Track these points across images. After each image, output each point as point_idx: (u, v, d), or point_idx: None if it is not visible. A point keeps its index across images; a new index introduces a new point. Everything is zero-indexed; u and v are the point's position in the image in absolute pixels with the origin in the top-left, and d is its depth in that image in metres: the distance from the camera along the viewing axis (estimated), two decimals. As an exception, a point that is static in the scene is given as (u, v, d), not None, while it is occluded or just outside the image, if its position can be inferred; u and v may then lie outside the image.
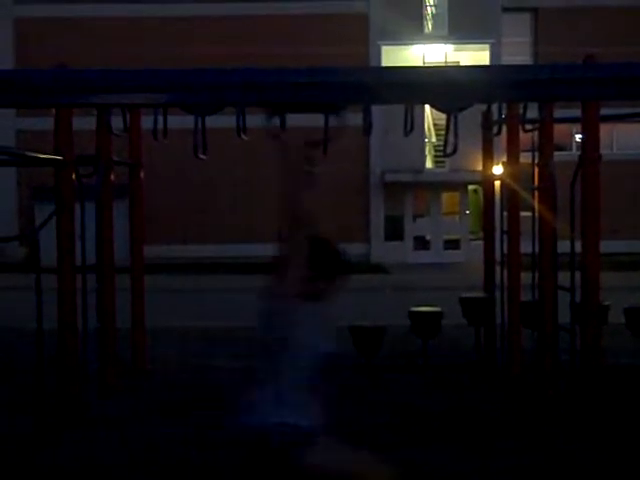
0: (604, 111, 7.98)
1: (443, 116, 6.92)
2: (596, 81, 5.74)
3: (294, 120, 5.97)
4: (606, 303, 9.21)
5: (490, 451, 6.95)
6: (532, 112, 8.71)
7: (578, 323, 7.99)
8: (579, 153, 7.90)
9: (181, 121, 8.72)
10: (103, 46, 24.91)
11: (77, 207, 7.96)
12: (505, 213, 9.75)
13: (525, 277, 9.32)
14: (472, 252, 24.54)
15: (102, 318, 8.66)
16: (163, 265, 22.67)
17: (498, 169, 10.96)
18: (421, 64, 26.37)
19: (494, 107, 9.78)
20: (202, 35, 25.71)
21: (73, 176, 7.86)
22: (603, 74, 5.18)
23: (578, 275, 7.84)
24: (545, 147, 8.54)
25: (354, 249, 26.73)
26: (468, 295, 10.27)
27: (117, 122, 9.04)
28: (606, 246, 8.69)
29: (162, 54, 22.89)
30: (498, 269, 10.09)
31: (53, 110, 7.70)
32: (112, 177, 8.95)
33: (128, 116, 9.36)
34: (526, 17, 28.20)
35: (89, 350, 8.20)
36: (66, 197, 7.77)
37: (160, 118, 8.19)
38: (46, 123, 8.96)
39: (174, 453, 6.96)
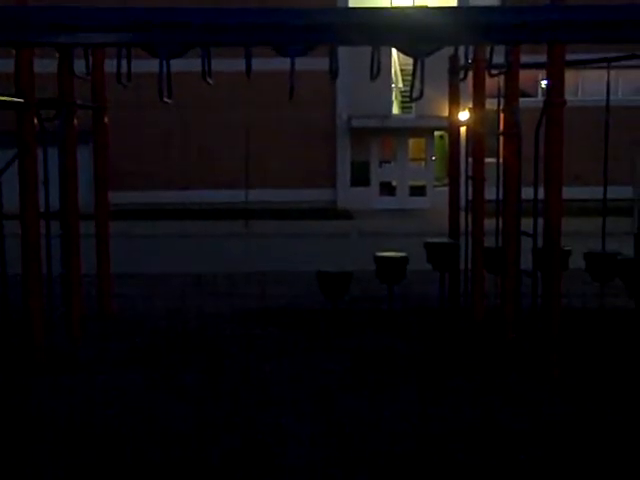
0: (570, 57, 7.98)
1: (410, 61, 6.89)
2: (563, 24, 5.75)
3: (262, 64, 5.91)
4: (567, 248, 9.34)
5: (447, 392, 7.09)
6: (499, 57, 8.70)
7: (540, 268, 8.11)
8: (544, 99, 7.92)
9: (148, 65, 8.57)
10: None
11: (40, 152, 7.83)
12: (470, 159, 9.79)
13: (489, 223, 9.42)
14: (437, 198, 24.62)
15: (67, 264, 8.61)
16: (127, 211, 22.48)
17: (464, 115, 10.96)
18: (389, 6, 26.07)
19: (461, 51, 9.74)
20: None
21: (35, 119, 7.71)
22: (569, 17, 5.19)
23: (541, 221, 7.93)
24: (511, 93, 8.55)
25: (320, 195, 26.73)
26: (433, 240, 10.35)
27: (80, 65, 8.87)
28: (569, 192, 8.77)
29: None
30: (463, 215, 10.17)
31: (13, 51, 7.52)
32: (75, 121, 8.80)
33: (91, 59, 9.18)
34: (494, -39, 27.92)
35: (54, 296, 8.17)
36: (28, 141, 7.63)
37: (124, 62, 8.06)
38: (6, 65, 8.75)
39: (140, 398, 7.00)
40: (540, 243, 7.93)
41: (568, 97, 7.67)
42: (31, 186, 7.71)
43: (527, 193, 8.28)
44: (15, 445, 5.96)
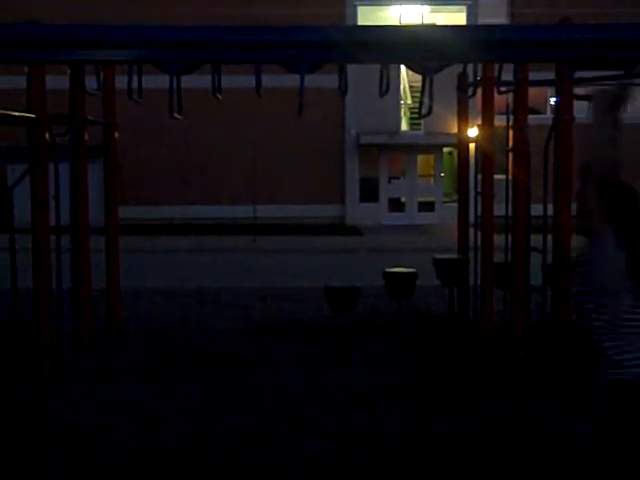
0: (578, 74, 8.01)
1: (419, 78, 6.92)
2: (571, 43, 5.76)
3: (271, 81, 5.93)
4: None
5: (459, 408, 7.08)
6: (507, 75, 8.73)
7: (549, 284, 8.11)
8: (553, 116, 7.94)
9: (156, 81, 8.63)
10: (73, 2, 24.48)
11: (51, 167, 7.89)
12: (479, 176, 9.81)
13: (498, 239, 9.42)
14: (446, 214, 24.65)
15: (76, 278, 8.64)
16: (137, 226, 22.57)
17: (473, 131, 11.00)
18: (398, 24, 26.19)
19: (469, 69, 9.78)
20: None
21: (47, 135, 7.78)
22: (578, 36, 5.20)
23: (550, 237, 7.93)
24: (520, 110, 8.57)
25: (329, 211, 26.78)
26: (442, 256, 10.36)
27: (91, 82, 8.95)
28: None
29: (135, 13, 22.55)
30: (472, 231, 10.18)
31: (25, 68, 7.59)
32: (86, 137, 8.87)
33: (102, 75, 9.26)
34: (503, -22, 28.05)
35: (63, 310, 8.20)
36: (40, 156, 7.69)
37: (135, 78, 8.11)
38: (18, 82, 8.84)
39: (147, 412, 7.01)
40: (550, 259, 7.93)
41: (577, 114, 7.70)
42: (42, 200, 7.76)
43: (536, 209, 8.29)
44: (24, 455, 5.97)
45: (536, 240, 8.40)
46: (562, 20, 7.21)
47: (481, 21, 26.43)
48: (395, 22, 27.03)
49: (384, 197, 27.95)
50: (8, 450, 6.12)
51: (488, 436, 6.45)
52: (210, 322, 10.64)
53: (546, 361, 7.95)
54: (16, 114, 7.85)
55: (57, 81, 9.07)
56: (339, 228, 25.45)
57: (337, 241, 22.20)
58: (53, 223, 7.99)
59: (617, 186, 3.98)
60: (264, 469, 5.81)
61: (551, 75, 7.92)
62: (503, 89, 9.09)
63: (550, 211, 7.95)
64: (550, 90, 20.27)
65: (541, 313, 8.28)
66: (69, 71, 8.57)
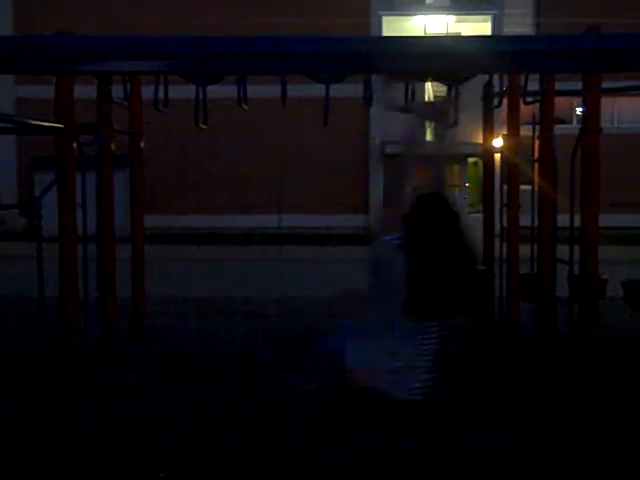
0: (606, 84, 7.95)
1: (444, 88, 6.92)
2: (598, 53, 5.72)
3: (296, 91, 5.95)
4: (604, 276, 9.25)
5: (486, 424, 7.02)
6: (533, 84, 8.69)
7: (576, 296, 8.03)
8: (580, 126, 7.89)
9: (182, 91, 8.70)
10: (103, 13, 24.74)
11: (78, 176, 7.95)
12: (505, 186, 9.76)
13: (524, 250, 9.35)
14: (471, 225, 24.52)
15: (103, 287, 8.70)
16: (163, 235, 22.69)
17: (498, 142, 10.94)
18: (422, 35, 26.20)
19: (495, 79, 9.75)
20: (202, 4, 25.53)
21: (74, 144, 7.85)
22: (605, 45, 5.16)
23: (577, 249, 7.87)
24: (546, 120, 8.53)
25: (353, 220, 26.76)
26: (467, 267, 10.29)
27: (118, 91, 9.02)
28: (605, 220, 8.70)
29: (163, 22, 22.75)
30: (497, 242, 10.12)
31: (53, 78, 7.67)
32: (113, 146, 8.94)
33: (129, 85, 9.34)
34: (529, -12, 27.96)
35: (90, 318, 8.25)
36: (67, 165, 7.76)
37: (161, 88, 8.18)
38: (46, 91, 8.93)
39: (173, 419, 7.03)
40: (577, 271, 7.86)
41: (604, 124, 7.64)
42: (69, 209, 7.82)
43: (562, 220, 8.23)
44: (51, 463, 6.01)
45: (562, 251, 8.33)
46: (589, 29, 7.16)
47: (507, 31, 26.34)
48: (420, 32, 27.03)
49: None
50: (33, 461, 6.16)
51: (513, 452, 6.39)
52: (235, 332, 10.65)
53: (574, 373, 7.86)
54: (44, 124, 7.94)
55: (84, 91, 9.15)
56: (363, 238, 25.41)
57: (361, 251, 22.15)
58: (80, 232, 8.05)
59: (427, 197, 4.08)
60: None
61: (578, 85, 7.87)
62: (529, 99, 9.05)
63: (577, 222, 7.88)
64: (576, 99, 20.16)
65: (568, 326, 8.20)
66: (96, 81, 8.64)
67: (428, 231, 4.06)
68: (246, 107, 7.73)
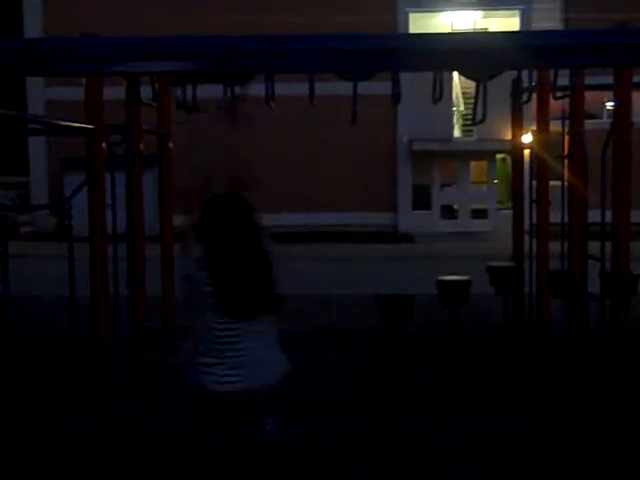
0: (636, 78, 7.86)
1: (471, 84, 6.87)
2: (627, 47, 5.67)
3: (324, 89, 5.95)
4: (636, 273, 9.15)
5: (518, 420, 6.98)
6: (563, 79, 8.61)
7: (608, 292, 7.96)
8: (610, 121, 7.81)
9: (211, 90, 8.72)
10: (126, 15, 24.92)
11: (107, 176, 8.02)
12: (534, 182, 9.69)
13: (553, 246, 9.28)
14: (499, 221, 24.39)
15: (133, 286, 8.76)
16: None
17: (527, 137, 10.87)
18: (450, 31, 26.08)
19: (524, 74, 9.67)
20: (232, 5, 25.64)
21: (104, 145, 7.92)
22: (634, 40, 5.11)
23: (608, 245, 7.79)
24: (576, 115, 8.45)
25: (381, 218, 26.71)
26: (496, 264, 10.25)
27: (147, 92, 9.08)
28: (637, 215, 8.61)
29: (187, 22, 22.86)
30: (526, 238, 10.05)
31: (83, 79, 7.74)
32: (141, 146, 9.00)
33: (157, 85, 9.40)
34: (557, -18, 27.73)
35: (121, 317, 8.32)
36: (97, 166, 7.83)
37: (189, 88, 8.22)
38: (75, 93, 9.02)
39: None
40: (608, 267, 7.79)
41: (635, 118, 7.56)
42: (99, 209, 7.90)
43: (593, 216, 8.16)
44: (75, 465, 6.07)
45: (593, 247, 8.26)
46: (617, 24, 7.09)
47: (535, 26, 26.15)
48: (447, 28, 26.91)
49: (437, 204, 27.78)
50: (62, 461, 6.22)
51: (547, 452, 6.35)
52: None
53: (606, 370, 7.80)
54: (74, 125, 8.01)
55: (113, 92, 9.22)
56: (392, 235, 25.38)
57: (390, 249, 22.13)
58: (110, 231, 8.12)
59: (220, 200, 4.10)
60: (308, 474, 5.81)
61: (608, 79, 7.79)
62: (559, 94, 8.97)
63: (608, 217, 7.81)
64: (607, 94, 19.96)
65: (600, 322, 8.12)
66: (125, 82, 8.71)
67: (217, 234, 4.20)
68: (273, 105, 7.75)
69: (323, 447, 6.32)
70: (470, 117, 7.63)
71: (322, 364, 8.83)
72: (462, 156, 27.43)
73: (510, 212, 10.78)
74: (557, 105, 9.31)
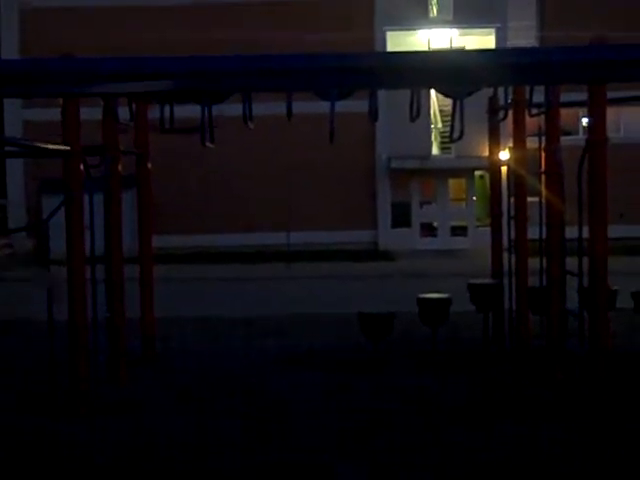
0: (610, 94, 7.94)
1: (449, 102, 6.92)
2: (601, 64, 5.72)
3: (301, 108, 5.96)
4: (614, 288, 9.20)
5: (494, 435, 6.97)
6: (538, 96, 8.69)
7: (586, 308, 7.99)
8: (586, 137, 7.87)
9: (187, 110, 8.72)
10: (108, 35, 24.90)
11: (85, 198, 7.97)
12: (512, 199, 9.74)
13: (532, 263, 9.32)
14: (479, 238, 24.47)
15: (112, 308, 8.70)
16: (171, 255, 22.71)
17: (504, 154, 10.94)
18: (426, 49, 26.25)
19: (500, 92, 9.75)
20: (208, 22, 25.66)
21: (81, 166, 7.87)
22: (609, 56, 5.17)
23: (586, 260, 7.83)
24: (551, 131, 8.52)
25: (361, 236, 26.72)
26: (476, 281, 10.27)
27: (124, 113, 9.06)
28: (614, 231, 8.67)
29: (167, 42, 22.87)
30: (505, 255, 10.09)
31: (60, 100, 7.71)
32: (120, 167, 8.97)
33: (134, 106, 9.38)
34: (531, 1, 28.03)
35: (99, 340, 8.24)
36: (74, 187, 7.78)
37: (167, 108, 8.21)
38: (53, 114, 8.97)
39: (185, 442, 6.99)
40: (586, 283, 7.82)
41: (610, 134, 7.62)
42: (77, 231, 7.84)
43: (571, 232, 8.20)
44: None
45: (571, 263, 8.30)
46: (592, 41, 7.16)
47: (510, 44, 26.38)
48: (424, 46, 27.07)
49: (416, 222, 27.84)
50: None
51: (528, 468, 6.34)
52: (244, 350, 10.62)
53: (585, 385, 7.81)
54: (51, 147, 7.97)
55: (89, 112, 9.19)
56: (372, 253, 25.39)
57: (370, 267, 22.14)
58: (88, 253, 8.06)
59: None
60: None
61: (583, 95, 7.86)
62: (534, 111, 9.04)
63: (585, 233, 7.85)
64: (582, 110, 20.15)
65: (579, 338, 8.15)
66: (102, 103, 8.68)
67: None
68: (252, 125, 7.75)
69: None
70: (448, 134, 7.69)
71: (301, 383, 8.80)
72: (441, 173, 27.54)
73: (489, 229, 10.83)
74: (533, 122, 9.39)
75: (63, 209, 7.80)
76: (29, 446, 6.88)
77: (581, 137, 21.07)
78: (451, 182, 28.46)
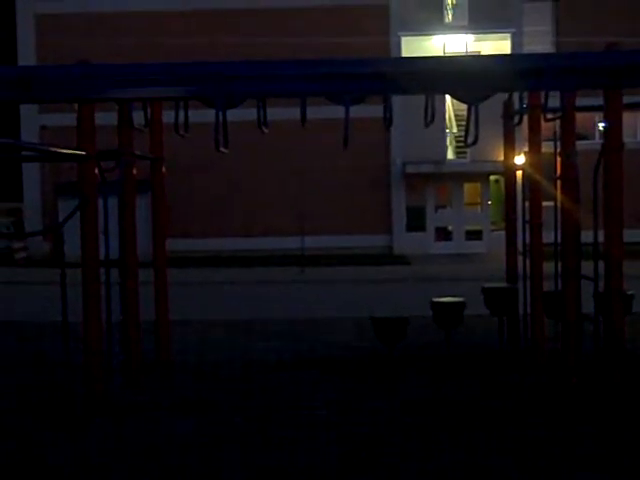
0: (627, 99, 7.90)
1: (464, 106, 6.90)
2: (618, 69, 5.72)
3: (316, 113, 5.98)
4: (630, 292, 9.15)
5: (509, 440, 6.94)
6: (554, 101, 8.66)
7: (602, 312, 7.95)
8: (602, 142, 7.83)
9: (203, 115, 8.75)
10: (123, 41, 25.03)
11: (100, 202, 8.01)
12: (527, 203, 9.71)
13: (547, 267, 9.28)
14: (494, 243, 24.40)
15: (126, 311, 8.73)
16: (185, 258, 22.78)
17: (520, 159, 10.90)
18: (442, 54, 26.22)
19: (515, 97, 9.72)
20: (223, 28, 25.75)
21: (96, 171, 7.91)
22: (625, 62, 5.15)
23: (602, 265, 7.79)
24: (567, 136, 8.48)
25: (376, 241, 26.69)
26: (491, 285, 10.24)
27: (139, 117, 9.09)
28: (629, 235, 8.62)
29: (183, 48, 22.96)
30: (520, 259, 10.05)
31: (75, 105, 7.75)
32: (134, 172, 9.00)
33: (149, 111, 9.41)
34: (547, 6, 27.94)
35: (114, 343, 8.27)
36: (89, 192, 7.83)
37: (181, 112, 8.24)
38: (69, 119, 9.03)
39: (195, 444, 7.01)
40: (602, 287, 7.78)
41: (626, 139, 7.58)
42: (92, 235, 7.88)
43: (586, 236, 8.16)
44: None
45: (586, 268, 8.26)
46: (608, 47, 7.13)
47: (526, 49, 26.30)
48: (439, 52, 27.04)
49: (431, 226, 27.80)
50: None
51: (542, 474, 6.31)
52: (258, 354, 10.64)
53: (600, 390, 7.77)
54: (66, 152, 8.02)
55: (105, 117, 9.24)
56: (387, 258, 25.36)
57: (384, 271, 22.11)
58: (103, 257, 8.10)
59: None
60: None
61: (599, 100, 7.83)
62: (550, 116, 9.01)
63: (600, 238, 7.81)
64: (598, 115, 20.05)
65: (594, 342, 8.11)
66: (117, 107, 8.72)
67: None
68: (266, 130, 7.76)
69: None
70: (463, 139, 7.69)
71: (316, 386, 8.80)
72: (456, 178, 27.49)
73: (504, 233, 10.79)
74: (549, 126, 9.35)
75: (78, 213, 7.84)
76: (40, 449, 6.91)
77: (597, 142, 20.96)
78: (466, 186, 28.39)
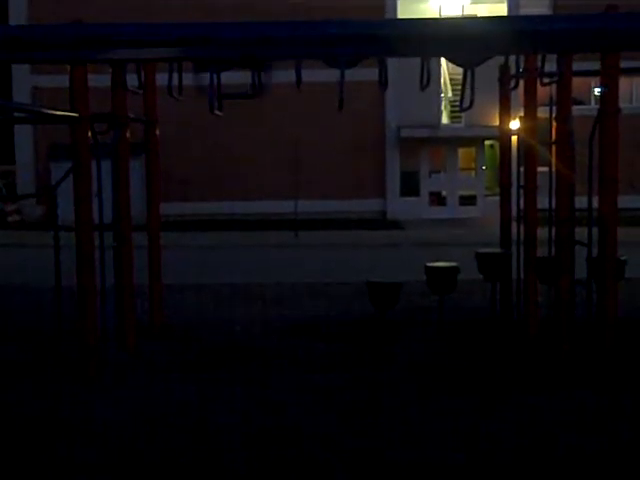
0: (624, 64, 7.85)
1: (459, 71, 6.85)
2: (615, 32, 5.66)
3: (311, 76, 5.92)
4: (623, 258, 9.18)
5: (500, 406, 7.00)
6: (550, 65, 8.60)
7: (595, 278, 7.98)
8: (598, 107, 7.80)
9: (196, 78, 8.66)
10: (117, 2, 24.70)
11: (93, 164, 7.96)
12: (522, 168, 9.69)
13: (541, 233, 9.29)
14: (488, 208, 24.41)
15: (120, 275, 8.72)
16: (180, 222, 22.74)
17: (515, 124, 10.85)
18: (438, 17, 25.99)
19: (511, 60, 9.65)
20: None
21: (89, 133, 7.85)
22: (623, 25, 5.10)
23: (595, 230, 7.81)
24: (563, 101, 8.43)
25: (370, 205, 26.68)
26: (484, 251, 10.25)
27: (132, 80, 9.01)
28: (624, 201, 8.62)
29: (174, 7, 22.70)
30: (514, 224, 10.06)
31: (68, 67, 7.67)
32: (128, 134, 8.93)
33: (143, 73, 9.33)
34: (544, -32, 27.67)
35: (108, 306, 8.28)
36: (82, 154, 7.77)
37: (175, 75, 8.16)
38: (62, 80, 8.94)
39: (190, 409, 7.05)
40: (595, 253, 7.80)
41: (622, 104, 7.54)
42: (85, 198, 7.84)
43: (580, 202, 8.16)
44: (64, 456, 6.04)
45: (580, 233, 8.27)
46: (607, 9, 7.06)
47: (523, 12, 26.08)
48: (435, 14, 26.80)
49: (425, 191, 27.77)
50: (50, 447, 6.20)
51: (533, 439, 6.37)
52: (252, 318, 10.67)
53: (592, 356, 7.82)
54: (58, 113, 7.94)
55: (99, 79, 9.15)
56: (380, 222, 25.37)
57: (378, 235, 22.13)
58: (96, 220, 8.07)
59: None
60: (302, 465, 5.81)
61: (595, 65, 7.77)
62: (546, 80, 8.95)
63: (595, 203, 7.81)
64: (594, 80, 19.95)
65: (587, 307, 8.15)
66: (111, 70, 8.63)
67: None
68: (262, 93, 7.70)
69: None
70: (458, 103, 7.64)
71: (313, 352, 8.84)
72: (450, 143, 27.41)
73: (498, 198, 10.78)
74: (544, 91, 9.30)
75: (72, 176, 7.79)
76: (34, 408, 6.94)
77: (593, 107, 20.88)
78: (461, 151, 28.33)
